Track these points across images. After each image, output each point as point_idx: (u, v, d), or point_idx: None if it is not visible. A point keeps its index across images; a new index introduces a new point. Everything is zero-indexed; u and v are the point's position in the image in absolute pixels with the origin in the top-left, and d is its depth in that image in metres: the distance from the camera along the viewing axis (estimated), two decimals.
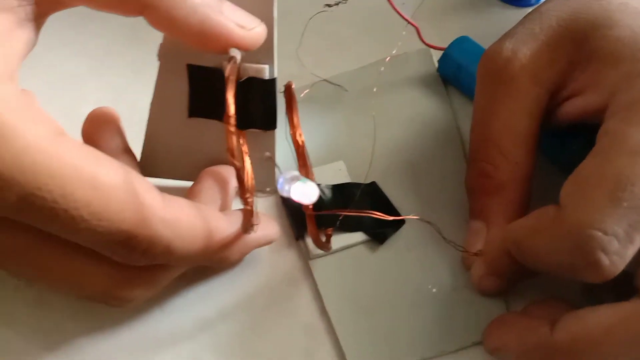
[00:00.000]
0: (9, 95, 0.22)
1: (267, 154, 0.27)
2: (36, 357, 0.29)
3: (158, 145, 0.32)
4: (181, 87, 0.30)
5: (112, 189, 0.22)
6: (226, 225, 0.27)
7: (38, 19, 0.24)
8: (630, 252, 0.24)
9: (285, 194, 0.26)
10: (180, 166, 0.32)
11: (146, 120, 0.31)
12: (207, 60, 0.29)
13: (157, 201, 0.24)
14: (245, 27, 0.26)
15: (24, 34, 0.24)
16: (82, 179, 0.22)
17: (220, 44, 0.25)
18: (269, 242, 0.30)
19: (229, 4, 0.26)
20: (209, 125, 0.30)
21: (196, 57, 0.28)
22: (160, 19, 0.25)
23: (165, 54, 0.29)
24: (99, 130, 0.29)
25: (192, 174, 0.31)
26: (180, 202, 0.26)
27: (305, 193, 0.26)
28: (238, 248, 0.28)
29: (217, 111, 0.29)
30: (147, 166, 0.32)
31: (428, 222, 0.29)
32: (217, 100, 0.27)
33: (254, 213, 0.26)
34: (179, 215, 0.25)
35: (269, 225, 0.30)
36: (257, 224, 0.27)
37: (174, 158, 0.32)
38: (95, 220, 0.22)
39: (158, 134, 0.31)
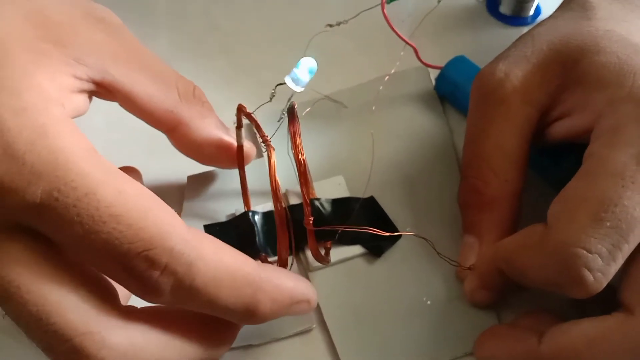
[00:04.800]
0: (58, 113, 0.23)
1: None
2: None
3: None
4: None
5: (137, 197, 0.22)
6: (257, 265, 0.26)
7: (90, 95, 0.28)
8: (613, 270, 0.25)
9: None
10: None
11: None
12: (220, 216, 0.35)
13: (180, 222, 0.23)
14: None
15: (79, 99, 0.27)
16: (108, 182, 0.22)
17: (231, 157, 0.33)
18: (305, 300, 0.27)
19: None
20: None
21: (212, 217, 0.35)
22: (187, 137, 0.31)
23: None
24: None
25: None
26: (205, 234, 0.25)
27: (297, 78, 0.27)
28: (271, 292, 0.25)
29: None
30: None
31: (423, 238, 0.30)
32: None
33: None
34: (202, 239, 0.24)
35: (306, 284, 0.28)
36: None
37: None
38: (115, 224, 0.21)
39: None
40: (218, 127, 0.32)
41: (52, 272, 0.22)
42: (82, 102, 0.27)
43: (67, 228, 0.21)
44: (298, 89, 0.27)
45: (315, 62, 0.27)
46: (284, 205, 0.28)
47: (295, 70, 0.27)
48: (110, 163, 0.23)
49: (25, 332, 0.22)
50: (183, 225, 0.23)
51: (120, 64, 0.28)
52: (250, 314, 0.25)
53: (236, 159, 0.33)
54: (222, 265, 0.24)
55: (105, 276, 0.24)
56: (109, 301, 0.23)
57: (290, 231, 0.28)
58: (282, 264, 0.29)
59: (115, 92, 0.28)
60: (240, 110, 0.30)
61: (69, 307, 0.22)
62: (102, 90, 0.28)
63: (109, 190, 0.21)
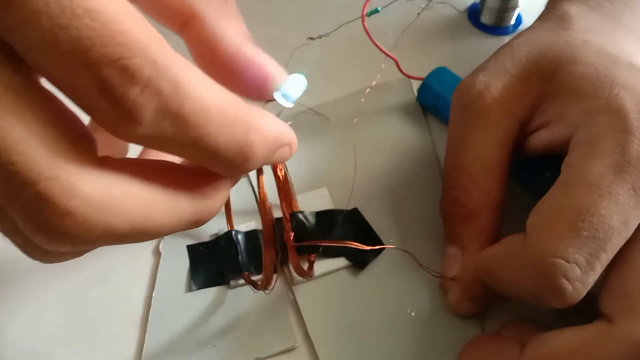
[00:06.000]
0: None
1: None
2: None
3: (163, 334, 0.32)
4: (180, 271, 0.34)
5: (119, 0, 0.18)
6: (246, 102, 0.21)
7: None
8: (592, 279, 0.25)
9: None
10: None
11: None
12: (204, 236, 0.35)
13: (164, 41, 0.18)
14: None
15: None
16: None
17: (254, 73, 0.25)
18: (288, 143, 0.24)
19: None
20: (207, 294, 0.33)
21: (196, 237, 0.35)
22: (200, 36, 0.24)
23: (165, 246, 0.35)
24: None
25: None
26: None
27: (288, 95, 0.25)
28: (263, 132, 0.21)
29: (216, 278, 0.34)
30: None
31: (405, 251, 0.30)
32: (215, 269, 0.33)
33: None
34: (189, 64, 0.19)
35: (289, 127, 0.24)
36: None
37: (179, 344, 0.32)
38: (88, 19, 0.17)
39: (162, 321, 0.32)
40: (240, 34, 0.25)
41: (22, 102, 0.18)
42: None
43: (33, 20, 0.17)
44: (288, 104, 0.27)
45: (305, 79, 0.26)
46: (272, 218, 0.28)
47: (284, 86, 0.26)
48: None
49: None
50: (166, 43, 0.19)
51: None
52: (244, 158, 0.21)
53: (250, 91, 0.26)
54: (213, 95, 0.19)
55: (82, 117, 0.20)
56: (83, 147, 0.19)
57: (276, 246, 0.28)
58: (267, 279, 0.29)
59: None
60: None
61: (34, 145, 0.18)
62: None
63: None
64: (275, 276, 0.31)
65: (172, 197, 0.21)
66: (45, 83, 0.19)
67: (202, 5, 0.24)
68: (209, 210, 0.23)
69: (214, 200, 0.23)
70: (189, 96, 0.18)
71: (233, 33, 0.24)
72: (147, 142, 0.19)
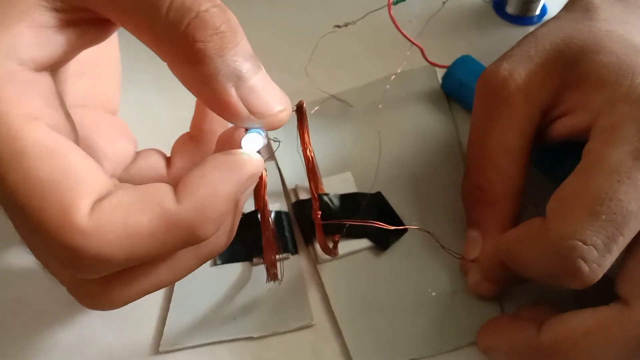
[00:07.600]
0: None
1: None
2: None
3: (186, 307, 0.33)
4: None
5: (41, 181, 0.20)
6: (174, 199, 0.21)
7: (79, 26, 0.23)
8: (609, 261, 0.26)
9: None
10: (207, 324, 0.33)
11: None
12: None
13: (83, 202, 0.20)
14: (261, 114, 0.23)
15: (57, 38, 0.22)
16: (18, 166, 0.20)
17: (228, 118, 0.23)
18: (249, 184, 0.23)
19: (260, 79, 0.23)
20: (231, 269, 0.34)
21: None
22: (178, 76, 0.23)
23: None
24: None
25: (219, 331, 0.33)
26: (108, 206, 0.21)
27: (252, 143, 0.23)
28: (207, 215, 0.21)
29: (240, 255, 0.35)
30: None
31: (427, 232, 0.31)
32: (240, 246, 0.34)
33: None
34: (105, 220, 0.20)
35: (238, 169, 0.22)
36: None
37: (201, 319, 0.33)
38: (20, 214, 0.20)
39: (187, 292, 0.33)
40: (223, 76, 0.22)
41: None
42: (62, 40, 0.22)
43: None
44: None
45: (261, 137, 0.23)
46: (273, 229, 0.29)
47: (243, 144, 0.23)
48: (47, 133, 0.20)
49: None
50: (85, 207, 0.20)
51: None
52: (196, 243, 0.22)
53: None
54: (138, 233, 0.21)
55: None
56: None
57: (276, 242, 0.30)
58: (273, 277, 0.31)
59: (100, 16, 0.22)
60: None
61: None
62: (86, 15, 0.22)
63: (15, 176, 0.20)
64: (281, 268, 0.31)
65: (170, 269, 0.24)
66: None
67: (165, 51, 0.22)
68: (216, 251, 0.25)
69: (215, 244, 0.25)
70: (114, 255, 0.21)
71: (206, 80, 0.22)
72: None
